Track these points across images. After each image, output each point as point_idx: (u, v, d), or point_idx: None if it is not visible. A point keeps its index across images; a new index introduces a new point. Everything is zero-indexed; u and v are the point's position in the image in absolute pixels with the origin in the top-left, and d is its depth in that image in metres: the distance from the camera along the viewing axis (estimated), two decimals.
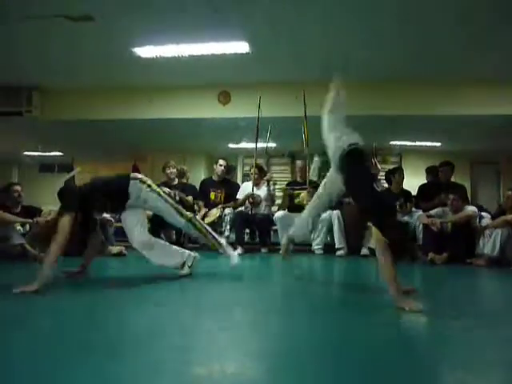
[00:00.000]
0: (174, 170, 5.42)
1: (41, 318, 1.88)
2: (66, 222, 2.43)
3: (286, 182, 5.93)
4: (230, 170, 6.03)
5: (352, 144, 2.39)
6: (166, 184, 5.38)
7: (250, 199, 5.12)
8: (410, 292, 2.27)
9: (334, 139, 2.45)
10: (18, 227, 4.51)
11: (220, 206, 5.20)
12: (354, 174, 2.37)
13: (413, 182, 5.51)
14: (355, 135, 2.45)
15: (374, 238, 2.14)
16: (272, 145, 7.66)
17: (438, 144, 7.99)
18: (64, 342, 1.47)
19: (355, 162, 2.38)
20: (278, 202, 6.37)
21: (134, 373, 1.19)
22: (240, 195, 5.32)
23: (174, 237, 5.39)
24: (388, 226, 2.10)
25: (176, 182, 5.44)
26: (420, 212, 4.64)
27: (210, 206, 5.26)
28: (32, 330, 1.62)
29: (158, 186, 5.37)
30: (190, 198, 5.30)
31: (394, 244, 2.08)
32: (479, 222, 4.41)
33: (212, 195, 5.35)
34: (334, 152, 2.45)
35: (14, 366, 1.23)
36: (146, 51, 4.96)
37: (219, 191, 5.38)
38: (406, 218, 4.83)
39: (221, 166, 5.42)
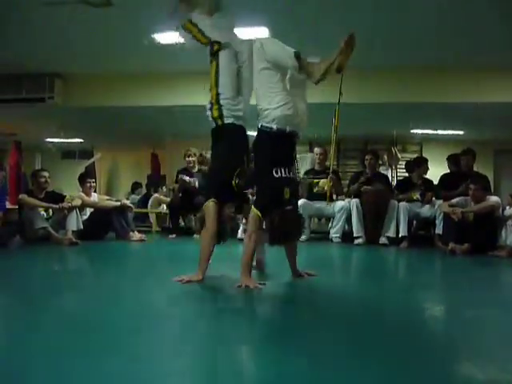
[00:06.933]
0: (195, 158, 5.45)
1: None
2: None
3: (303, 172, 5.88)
4: None
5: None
6: (186, 171, 5.42)
7: None
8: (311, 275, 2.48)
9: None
10: (42, 212, 4.64)
11: None
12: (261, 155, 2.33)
13: (433, 171, 5.41)
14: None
15: (250, 215, 2.19)
16: None
17: (461, 132, 7.80)
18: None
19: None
20: None
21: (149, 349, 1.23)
22: None
23: (193, 222, 5.45)
24: (269, 211, 2.14)
25: (196, 169, 5.47)
26: (441, 202, 4.57)
27: None
28: None
29: (178, 172, 5.49)
30: None
31: (274, 228, 2.12)
32: (502, 212, 4.32)
33: None
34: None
35: None
36: (166, 37, 4.96)
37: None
38: (426, 208, 4.78)
39: None
